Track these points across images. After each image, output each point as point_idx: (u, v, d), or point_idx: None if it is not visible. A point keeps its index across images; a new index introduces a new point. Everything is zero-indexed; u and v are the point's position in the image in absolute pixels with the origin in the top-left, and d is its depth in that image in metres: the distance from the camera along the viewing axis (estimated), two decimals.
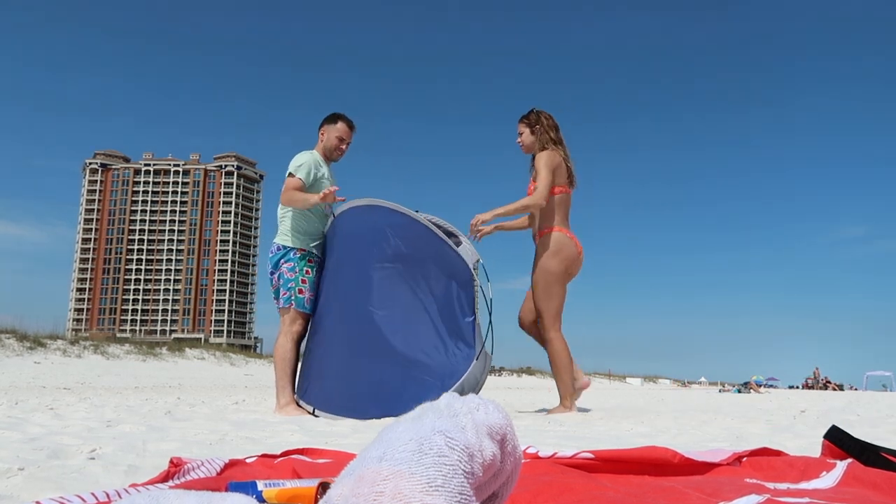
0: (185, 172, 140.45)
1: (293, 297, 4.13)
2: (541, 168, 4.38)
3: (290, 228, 4.20)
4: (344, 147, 4.41)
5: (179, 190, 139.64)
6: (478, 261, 4.02)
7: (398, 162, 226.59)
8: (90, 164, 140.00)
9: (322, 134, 4.38)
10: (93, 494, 0.97)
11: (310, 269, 4.18)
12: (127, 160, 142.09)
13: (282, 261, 4.18)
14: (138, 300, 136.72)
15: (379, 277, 3.94)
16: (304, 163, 4.21)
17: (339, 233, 4.16)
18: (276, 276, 4.21)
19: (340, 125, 4.38)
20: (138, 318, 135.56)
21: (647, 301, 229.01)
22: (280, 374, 4.08)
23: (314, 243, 4.24)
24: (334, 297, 4.07)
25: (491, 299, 3.96)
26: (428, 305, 3.87)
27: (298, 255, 4.17)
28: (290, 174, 4.18)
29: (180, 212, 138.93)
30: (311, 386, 4.03)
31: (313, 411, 3.92)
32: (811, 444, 2.37)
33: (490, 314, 3.95)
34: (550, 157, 4.41)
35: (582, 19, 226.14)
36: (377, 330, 3.85)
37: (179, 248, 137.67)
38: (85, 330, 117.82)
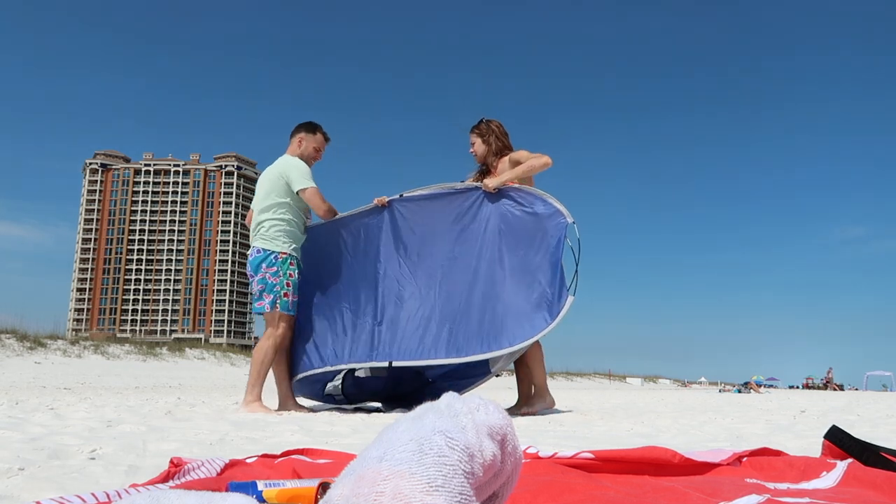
0: (185, 172, 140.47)
1: (278, 301, 4.18)
2: (525, 157, 4.31)
3: (273, 233, 4.25)
4: (319, 157, 4.51)
5: (179, 190, 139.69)
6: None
7: (394, 162, 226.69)
8: (90, 164, 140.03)
9: (300, 141, 4.43)
10: (93, 495, 0.97)
11: (293, 273, 4.25)
12: (127, 160, 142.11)
13: (263, 265, 4.22)
14: (138, 300, 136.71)
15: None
16: (307, 170, 4.30)
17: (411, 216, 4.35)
18: (256, 279, 4.25)
19: (319, 136, 4.48)
20: (138, 318, 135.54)
21: (647, 301, 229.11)
22: (255, 374, 4.17)
23: (294, 246, 4.30)
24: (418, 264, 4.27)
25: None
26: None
27: (281, 259, 4.22)
28: (307, 188, 4.24)
29: (180, 212, 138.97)
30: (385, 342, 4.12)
31: (390, 364, 4.03)
32: (811, 444, 2.37)
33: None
34: (522, 152, 4.39)
35: (584, 16, 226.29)
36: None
37: (179, 248, 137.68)
38: (85, 330, 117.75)
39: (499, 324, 3.95)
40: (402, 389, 4.86)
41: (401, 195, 4.37)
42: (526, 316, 3.94)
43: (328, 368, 4.25)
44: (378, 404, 4.98)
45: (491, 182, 4.20)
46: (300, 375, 4.34)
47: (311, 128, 4.48)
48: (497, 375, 4.86)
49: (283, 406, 4.28)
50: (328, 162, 4.67)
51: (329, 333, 4.33)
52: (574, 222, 4.02)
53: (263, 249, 4.23)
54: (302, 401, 4.65)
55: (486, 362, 4.28)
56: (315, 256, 4.51)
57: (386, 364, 4.04)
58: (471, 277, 4.11)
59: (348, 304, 4.33)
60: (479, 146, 4.55)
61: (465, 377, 4.71)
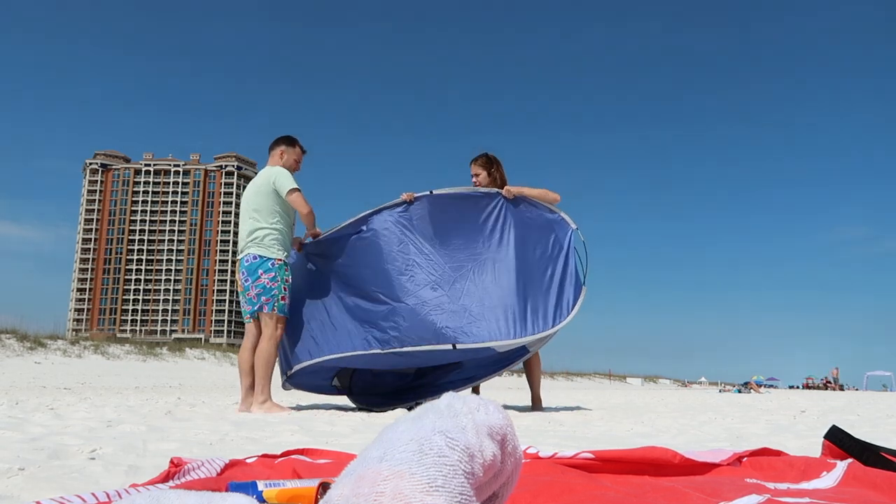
0: (186, 172, 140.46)
1: (276, 304, 4.39)
2: (530, 190, 4.76)
3: (268, 242, 4.44)
4: (298, 168, 4.75)
5: (179, 190, 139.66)
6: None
7: (394, 165, 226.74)
8: (90, 164, 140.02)
9: (281, 154, 4.65)
10: (93, 495, 0.97)
11: (288, 278, 4.48)
12: (127, 160, 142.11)
13: (260, 270, 4.40)
14: (138, 300, 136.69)
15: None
16: (291, 176, 4.53)
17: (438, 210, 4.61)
18: (253, 284, 4.41)
19: (297, 149, 4.74)
20: (138, 318, 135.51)
21: (647, 300, 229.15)
22: (262, 374, 4.32)
23: (286, 254, 4.52)
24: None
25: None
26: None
27: (278, 266, 4.43)
28: (294, 189, 4.44)
29: (180, 212, 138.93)
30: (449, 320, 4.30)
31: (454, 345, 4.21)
32: (811, 444, 2.37)
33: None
34: (524, 188, 4.82)
35: (583, 28, 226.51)
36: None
37: (179, 248, 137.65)
38: (85, 330, 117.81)
39: (533, 310, 4.39)
40: (416, 382, 5.01)
41: (430, 192, 4.61)
42: (552, 303, 4.45)
43: (376, 351, 4.32)
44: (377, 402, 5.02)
45: (512, 188, 4.71)
46: (335, 357, 4.41)
47: (290, 141, 4.71)
48: (498, 374, 4.94)
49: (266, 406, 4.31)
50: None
51: (363, 321, 4.43)
52: (577, 228, 4.69)
53: (260, 256, 4.42)
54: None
55: (523, 346, 4.54)
56: (343, 248, 4.62)
57: (449, 347, 4.17)
58: (501, 270, 4.48)
59: (382, 293, 4.40)
60: (483, 178, 4.89)
61: (501, 363, 4.84)
